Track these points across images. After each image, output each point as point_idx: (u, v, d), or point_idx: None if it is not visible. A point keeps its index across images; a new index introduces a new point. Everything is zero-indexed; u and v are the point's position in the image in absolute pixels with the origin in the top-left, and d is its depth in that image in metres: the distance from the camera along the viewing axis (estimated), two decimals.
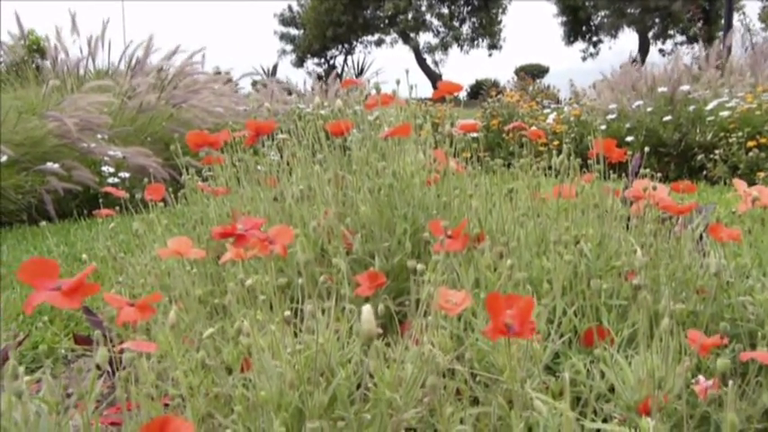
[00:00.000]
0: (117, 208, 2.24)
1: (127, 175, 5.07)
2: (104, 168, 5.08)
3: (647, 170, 1.85)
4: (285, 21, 28.52)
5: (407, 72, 1.98)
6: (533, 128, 2.04)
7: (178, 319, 1.46)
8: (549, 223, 1.72)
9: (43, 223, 2.25)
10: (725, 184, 5.53)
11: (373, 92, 1.94)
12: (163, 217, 2.08)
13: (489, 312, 0.96)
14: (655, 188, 1.64)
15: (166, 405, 1.28)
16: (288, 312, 1.21)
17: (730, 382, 0.85)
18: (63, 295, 0.96)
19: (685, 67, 7.55)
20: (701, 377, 1.21)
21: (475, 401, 1.32)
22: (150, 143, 5.70)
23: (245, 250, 1.37)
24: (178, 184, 2.46)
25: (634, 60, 8.71)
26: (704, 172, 6.02)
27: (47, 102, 5.61)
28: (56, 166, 4.80)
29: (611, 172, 1.83)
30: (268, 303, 1.31)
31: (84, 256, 2.29)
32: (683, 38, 26.10)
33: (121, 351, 1.18)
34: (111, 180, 4.93)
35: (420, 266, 1.20)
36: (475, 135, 1.94)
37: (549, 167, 1.85)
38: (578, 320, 1.48)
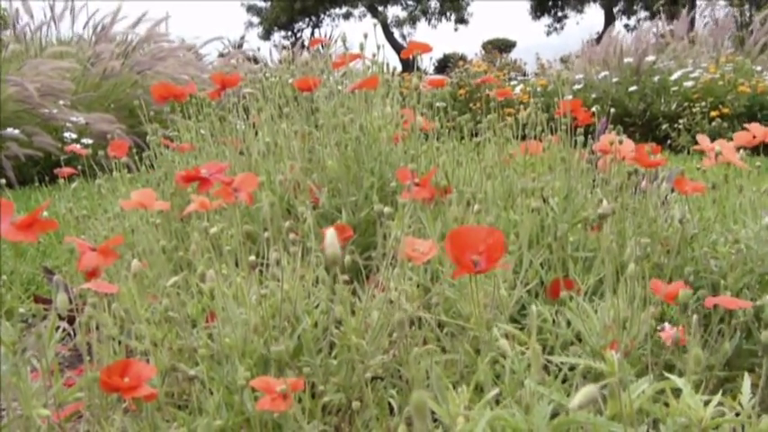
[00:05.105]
0: (79, 167, 2.19)
1: (90, 141, 4.98)
2: (66, 134, 4.98)
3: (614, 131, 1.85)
4: None
5: (375, 26, 1.95)
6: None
7: (142, 274, 1.43)
8: (516, 178, 1.71)
9: (3, 181, 2.20)
10: (688, 153, 5.58)
11: (340, 46, 1.92)
12: (126, 173, 2.05)
13: (453, 250, 0.94)
14: (621, 142, 1.64)
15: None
16: (252, 257, 1.19)
17: (694, 317, 0.86)
18: (17, 228, 0.92)
19: (653, 35, 7.60)
20: (666, 324, 1.22)
21: (442, 352, 1.32)
22: (114, 110, 5.60)
23: (210, 199, 1.35)
24: (143, 151, 2.42)
25: (600, 36, 8.77)
26: (668, 141, 6.08)
27: (7, 67, 5.49)
28: (16, 131, 4.70)
29: (577, 138, 1.83)
30: (233, 255, 1.29)
31: (45, 213, 2.25)
32: (647, 13, 26.17)
33: (83, 300, 1.16)
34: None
35: (387, 209, 1.18)
36: (442, 104, 1.94)
37: (517, 132, 1.85)
38: (545, 272, 1.48)
